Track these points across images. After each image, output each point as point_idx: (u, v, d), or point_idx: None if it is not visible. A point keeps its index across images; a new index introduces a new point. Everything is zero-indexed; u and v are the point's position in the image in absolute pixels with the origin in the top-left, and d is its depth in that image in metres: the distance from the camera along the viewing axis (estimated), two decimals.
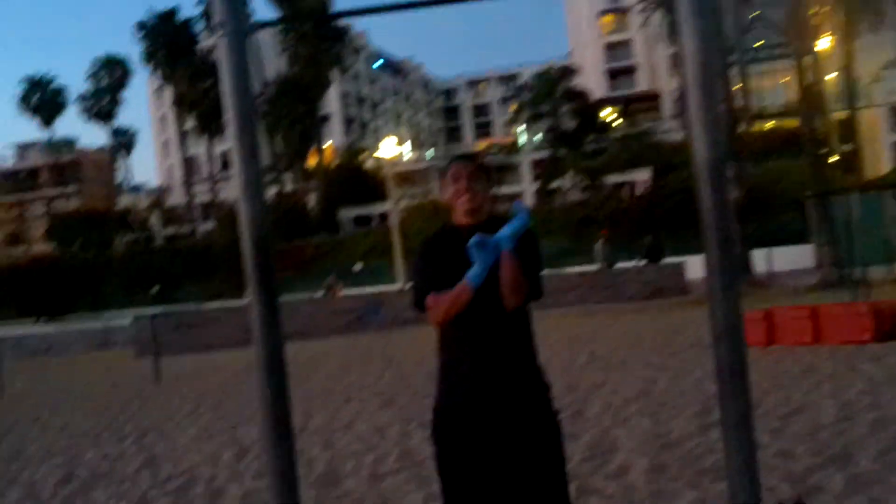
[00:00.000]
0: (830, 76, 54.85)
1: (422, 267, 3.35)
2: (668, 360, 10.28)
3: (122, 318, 28.27)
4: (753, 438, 2.90)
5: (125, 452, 7.72)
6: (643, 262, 25.58)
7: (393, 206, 36.43)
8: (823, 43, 51.63)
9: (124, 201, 76.91)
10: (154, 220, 71.88)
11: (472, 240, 3.06)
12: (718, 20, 27.68)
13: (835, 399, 6.83)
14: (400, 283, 30.53)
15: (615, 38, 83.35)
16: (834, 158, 47.58)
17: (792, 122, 50.17)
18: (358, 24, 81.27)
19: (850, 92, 47.96)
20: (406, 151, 76.35)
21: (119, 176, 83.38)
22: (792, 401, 6.89)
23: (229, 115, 3.02)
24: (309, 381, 11.67)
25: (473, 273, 3.09)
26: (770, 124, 58.05)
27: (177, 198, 75.53)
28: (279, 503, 2.94)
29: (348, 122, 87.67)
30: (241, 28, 3.01)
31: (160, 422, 9.53)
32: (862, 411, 6.29)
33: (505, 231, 3.11)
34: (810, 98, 25.19)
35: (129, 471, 6.84)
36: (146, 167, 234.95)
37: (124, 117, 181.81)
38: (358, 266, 45.16)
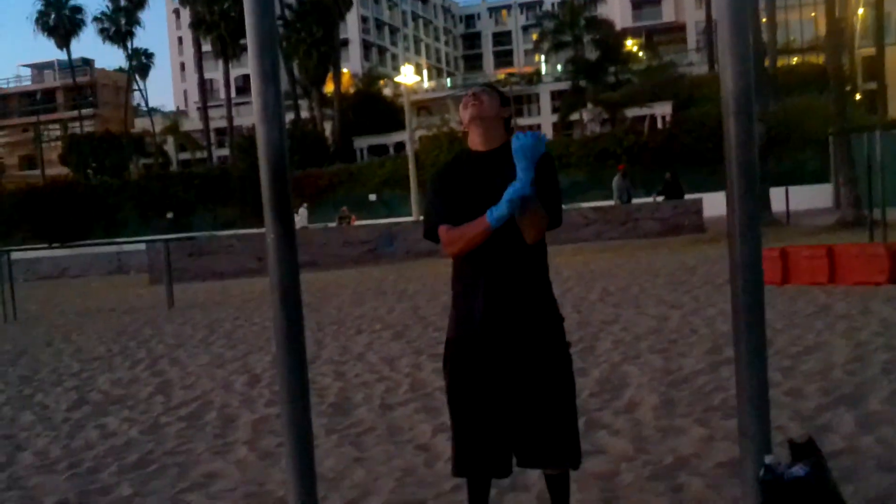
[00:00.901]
0: (859, 11, 53.92)
1: (434, 197, 3.36)
2: (681, 298, 10.24)
3: (137, 244, 28.37)
4: (766, 375, 2.86)
5: (138, 378, 7.77)
6: (661, 199, 25.39)
7: (410, 136, 36.16)
8: None
9: (140, 124, 76.75)
10: (170, 144, 71.77)
11: (516, 143, 2.98)
12: None
13: (847, 339, 6.78)
14: (414, 215, 30.46)
15: None
16: (858, 96, 46.97)
17: (817, 58, 49.43)
18: None
19: (879, 28, 47.06)
20: (425, 79, 75.63)
21: (135, 98, 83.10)
22: (804, 340, 6.84)
23: (249, 37, 2.93)
24: (320, 312, 11.70)
25: (498, 214, 3.04)
26: (795, 59, 57.10)
27: (193, 122, 75.32)
28: (292, 429, 2.94)
29: (367, 47, 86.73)
30: None
31: (173, 348, 9.59)
32: (874, 352, 6.24)
33: (525, 173, 3.01)
34: (837, 33, 24.65)
35: (141, 396, 6.88)
36: (164, 90, 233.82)
37: (142, 39, 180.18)
38: (372, 196, 45.08)
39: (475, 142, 3.35)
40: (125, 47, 70.65)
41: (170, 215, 50.18)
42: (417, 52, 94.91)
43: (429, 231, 3.33)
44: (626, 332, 8.01)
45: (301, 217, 30.99)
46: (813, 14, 56.92)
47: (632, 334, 7.84)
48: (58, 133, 77.70)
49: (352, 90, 65.27)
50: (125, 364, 8.64)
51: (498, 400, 3.36)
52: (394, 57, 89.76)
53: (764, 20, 43.15)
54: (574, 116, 52.39)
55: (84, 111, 74.86)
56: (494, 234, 3.16)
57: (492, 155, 3.29)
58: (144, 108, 79.07)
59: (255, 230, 31.13)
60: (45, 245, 40.85)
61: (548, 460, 3.41)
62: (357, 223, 30.98)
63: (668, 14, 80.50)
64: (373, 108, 59.08)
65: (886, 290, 9.40)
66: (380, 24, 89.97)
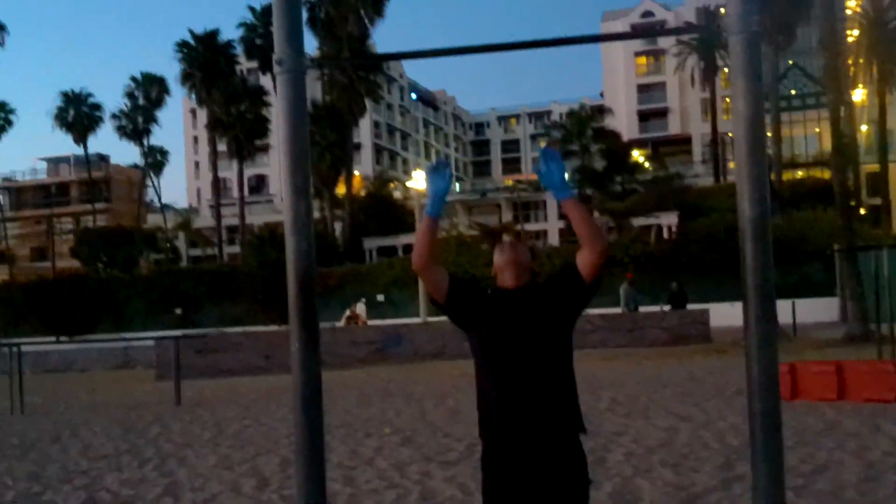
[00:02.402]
0: (863, 128, 54.86)
1: (455, 279, 3.62)
2: (690, 410, 10.23)
3: (144, 339, 28.40)
4: (783, 498, 2.90)
5: (146, 478, 7.76)
6: (667, 308, 25.48)
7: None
8: (858, 94, 51.68)
9: (153, 220, 77.57)
10: (181, 240, 72.42)
11: (542, 151, 3.39)
12: (766, 91, 27.55)
13: (859, 458, 6.78)
14: (422, 316, 30.52)
15: (649, 79, 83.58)
16: (863, 211, 47.41)
17: (822, 173, 50.11)
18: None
19: (883, 144, 47.83)
20: None
21: (149, 194, 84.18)
22: (816, 458, 6.85)
23: (282, 151, 3.09)
24: (328, 414, 11.66)
25: (430, 201, 3.45)
26: (800, 174, 57.88)
27: (204, 220, 76.13)
28: None
29: (378, 151, 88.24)
30: (300, 66, 3.08)
31: (180, 447, 9.57)
32: (886, 472, 6.24)
33: (553, 177, 3.40)
34: (842, 149, 25.11)
35: (150, 497, 6.88)
36: (177, 187, 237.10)
37: (158, 136, 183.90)
38: (380, 297, 45.23)
39: (505, 281, 3.56)
40: (141, 144, 71.90)
41: (178, 311, 50.29)
42: (428, 156, 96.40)
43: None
44: (637, 444, 8.01)
45: (360, 311, 30.95)
46: (817, 130, 57.91)
47: (643, 447, 7.84)
48: (70, 226, 78.50)
49: (363, 192, 66.17)
50: (133, 463, 8.63)
51: None
52: (404, 161, 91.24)
53: (769, 134, 43.96)
54: None
55: (97, 205, 75.84)
56: (517, 356, 3.37)
57: (519, 291, 3.51)
58: (157, 205, 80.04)
59: (262, 328, 31.17)
60: (53, 338, 40.91)
61: None
62: (365, 321, 31.01)
63: (674, 126, 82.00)
64: (383, 210, 59.84)
65: (895, 408, 9.40)
66: (392, 130, 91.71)
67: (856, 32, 48.28)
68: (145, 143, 72.24)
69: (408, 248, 53.50)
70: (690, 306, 25.53)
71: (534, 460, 3.42)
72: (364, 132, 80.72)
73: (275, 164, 77.66)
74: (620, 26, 77.98)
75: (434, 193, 3.40)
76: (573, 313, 3.52)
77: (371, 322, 31.71)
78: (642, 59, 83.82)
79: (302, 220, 3.04)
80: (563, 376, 3.49)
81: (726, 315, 24.36)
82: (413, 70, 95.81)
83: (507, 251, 3.57)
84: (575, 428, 3.48)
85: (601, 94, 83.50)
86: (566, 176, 3.36)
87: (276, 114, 3.10)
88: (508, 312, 3.45)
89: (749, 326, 2.87)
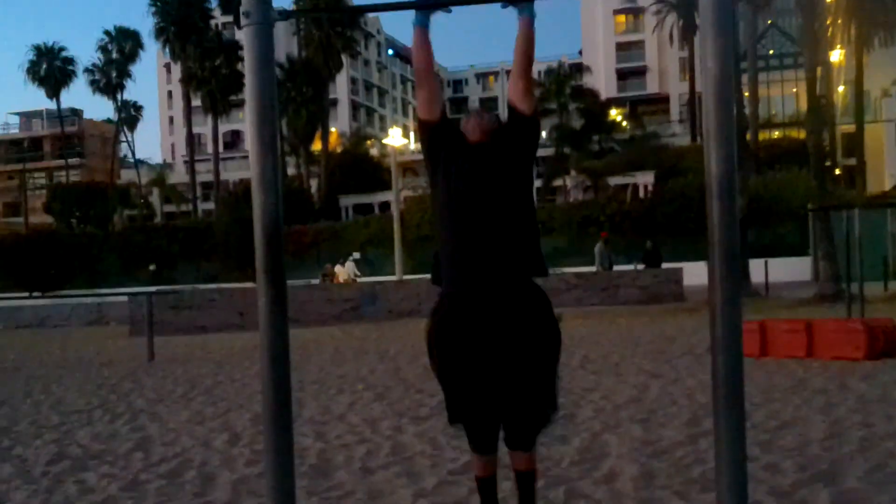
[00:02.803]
0: (839, 89, 54.98)
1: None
2: (661, 367, 10.33)
3: (119, 294, 28.28)
4: (745, 452, 2.93)
5: (117, 433, 7.75)
6: (641, 267, 25.61)
7: (396, 197, 36.43)
8: (835, 55, 51.77)
9: (127, 176, 76.88)
10: (155, 196, 71.88)
11: None
12: (736, 38, 27.50)
13: (825, 415, 6.87)
14: (398, 274, 30.53)
15: (628, 38, 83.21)
16: (838, 171, 47.67)
17: (798, 133, 50.28)
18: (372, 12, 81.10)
19: (859, 105, 47.99)
20: (411, 141, 76.31)
21: (123, 150, 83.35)
22: (782, 415, 6.93)
23: (249, 105, 3.04)
24: (302, 370, 11.70)
25: (416, 15, 3.67)
26: (776, 134, 58.03)
27: (179, 176, 75.52)
28: (275, 494, 2.98)
29: (355, 108, 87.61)
30: (267, 18, 3.03)
31: (153, 403, 9.57)
32: (851, 429, 6.33)
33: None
34: (818, 110, 25.18)
35: (121, 451, 6.86)
36: (151, 143, 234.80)
37: (131, 91, 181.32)
38: (356, 255, 45.21)
39: (471, 136, 3.81)
40: (115, 99, 71.04)
41: (152, 267, 50.05)
42: (405, 114, 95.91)
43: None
44: (607, 400, 8.08)
45: (348, 269, 30.95)
46: (794, 90, 58.02)
47: (612, 403, 7.90)
48: (43, 182, 77.66)
49: (339, 149, 65.77)
50: (105, 418, 8.61)
51: (488, 375, 3.65)
52: (381, 118, 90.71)
53: (746, 94, 43.97)
54: (557, 182, 52.90)
55: (71, 161, 75.00)
56: (475, 193, 3.60)
57: (482, 144, 3.77)
58: (131, 160, 79.27)
59: (237, 284, 31.08)
60: (26, 294, 40.63)
61: (519, 442, 3.80)
62: (351, 278, 31.02)
63: (652, 86, 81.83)
64: (359, 168, 59.57)
65: (863, 366, 9.52)
66: (369, 86, 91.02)
67: None
68: (119, 97, 71.38)
69: (385, 206, 53.45)
70: (665, 265, 25.69)
71: (494, 303, 3.58)
72: (341, 88, 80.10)
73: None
74: None
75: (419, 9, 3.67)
76: (524, 152, 3.75)
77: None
78: (621, 18, 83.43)
79: (269, 175, 3.01)
80: (522, 219, 3.69)
81: (700, 274, 24.45)
82: (390, 26, 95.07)
83: (472, 118, 3.85)
84: (536, 270, 3.70)
85: (580, 53, 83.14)
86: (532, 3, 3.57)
87: (245, 68, 3.05)
88: (470, 162, 3.69)
89: (713, 284, 2.88)
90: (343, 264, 31.59)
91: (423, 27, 3.75)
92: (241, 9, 3.02)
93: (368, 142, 70.41)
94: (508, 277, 3.60)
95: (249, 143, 3.07)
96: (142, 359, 14.86)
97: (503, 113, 3.82)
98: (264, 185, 3.04)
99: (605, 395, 8.42)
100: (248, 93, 3.04)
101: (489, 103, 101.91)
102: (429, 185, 3.93)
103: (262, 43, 3.04)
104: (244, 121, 79.40)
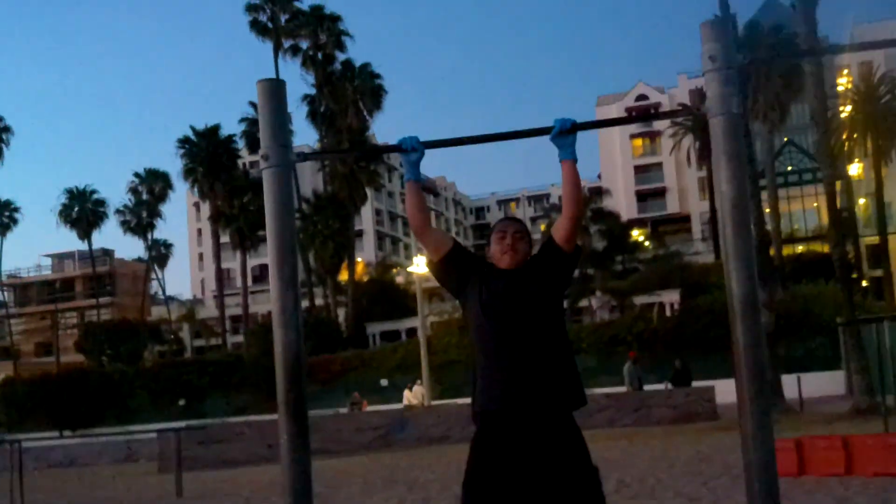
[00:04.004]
0: (861, 201, 55.17)
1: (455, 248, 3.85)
2: (698, 489, 10.11)
3: (148, 431, 28.19)
4: None
5: None
6: (671, 386, 25.34)
7: (422, 323, 36.50)
8: (854, 168, 52.14)
9: (157, 313, 77.57)
10: (185, 332, 72.34)
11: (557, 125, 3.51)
12: (750, 162, 27.89)
13: None
14: (427, 400, 30.31)
15: (646, 160, 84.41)
16: (865, 283, 47.36)
17: (822, 246, 50.24)
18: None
19: (881, 217, 48.05)
20: None
21: (153, 287, 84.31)
22: None
23: (270, 244, 3.14)
24: (331, 501, 11.55)
25: (406, 171, 3.67)
26: (800, 248, 57.99)
27: (209, 310, 76.13)
28: None
29: (380, 237, 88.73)
30: (286, 161, 3.16)
31: None
32: None
33: (567, 137, 3.54)
34: (841, 222, 25.27)
35: None
36: (181, 279, 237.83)
37: (161, 229, 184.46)
38: (384, 381, 44.97)
39: (501, 264, 3.77)
40: (145, 238, 72.27)
41: (182, 402, 49.96)
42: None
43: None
44: None
45: (416, 393, 30.34)
46: (815, 204, 58.23)
47: None
48: (75, 321, 78.45)
49: (365, 278, 66.29)
50: None
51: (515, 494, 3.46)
52: (406, 246, 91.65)
53: (767, 210, 44.22)
54: (583, 304, 52.84)
55: (102, 300, 75.92)
56: (512, 312, 3.56)
57: (516, 271, 3.72)
58: (162, 297, 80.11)
59: (266, 416, 30.94)
60: (57, 433, 40.55)
61: None
62: (368, 409, 30.81)
63: (672, 206, 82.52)
64: (385, 296, 59.84)
65: None
66: (393, 217, 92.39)
67: (849, 108, 48.91)
68: (149, 236, 72.64)
69: (411, 332, 53.40)
70: (696, 383, 25.38)
71: (535, 434, 3.48)
72: (366, 220, 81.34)
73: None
74: (615, 111, 79.10)
75: (407, 162, 3.62)
76: (560, 284, 3.73)
77: (375, 407, 31.50)
78: (638, 141, 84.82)
79: (290, 311, 3.08)
80: (561, 347, 3.64)
81: (731, 392, 24.22)
82: None
83: (505, 235, 3.78)
84: (578, 400, 3.63)
85: (599, 176, 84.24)
86: (574, 144, 3.59)
87: (265, 209, 3.16)
88: (504, 286, 3.66)
89: (743, 405, 2.86)
90: (411, 388, 30.89)
91: (414, 182, 3.77)
92: (260, 152, 3.17)
93: (394, 270, 70.98)
94: (549, 399, 3.53)
95: (270, 281, 3.15)
96: (170, 496, 14.72)
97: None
98: (285, 321, 3.11)
99: None
100: (269, 233, 3.14)
101: None
102: (461, 310, 3.89)
103: (281, 184, 3.17)
104: None
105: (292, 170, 3.18)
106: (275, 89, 3.19)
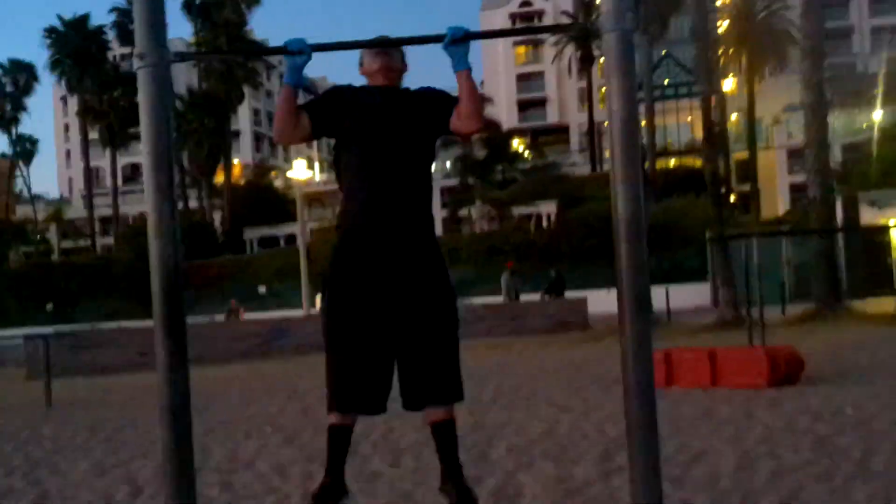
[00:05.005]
0: (734, 117, 56.78)
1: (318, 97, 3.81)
2: (570, 399, 10.39)
3: (15, 337, 27.24)
4: (661, 491, 2.92)
5: (13, 488, 7.40)
6: (547, 297, 25.90)
7: (301, 229, 36.11)
8: (728, 84, 53.48)
9: (22, 212, 74.52)
10: (52, 232, 69.81)
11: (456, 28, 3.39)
12: (639, 81, 28.27)
13: (733, 446, 6.97)
14: (305, 308, 30.19)
15: (528, 69, 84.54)
16: (733, 198, 49.14)
17: (694, 161, 51.74)
18: (273, 41, 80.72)
19: (751, 133, 49.63)
20: (317, 172, 75.91)
21: (18, 185, 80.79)
22: (692, 447, 7.01)
23: (144, 150, 2.92)
24: (208, 412, 11.41)
25: (286, 74, 3.54)
26: (673, 162, 59.55)
27: (77, 211, 73.52)
28: None
29: (258, 139, 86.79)
30: (163, 61, 2.92)
31: (51, 453, 9.18)
32: (760, 459, 6.43)
33: (460, 48, 3.43)
34: (713, 139, 25.92)
35: None
36: (47, 177, 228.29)
37: (26, 125, 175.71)
38: (262, 289, 44.59)
39: (376, 81, 3.76)
40: (9, 133, 68.90)
41: (49, 307, 48.47)
42: (310, 145, 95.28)
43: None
44: (519, 436, 8.07)
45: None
46: (689, 119, 59.68)
47: (525, 439, 7.90)
48: None
49: (242, 181, 65.00)
50: (0, 472, 8.22)
51: (380, 325, 3.58)
52: (285, 149, 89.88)
53: (644, 123, 45.09)
54: (463, 213, 53.26)
55: None
56: (383, 149, 3.56)
57: (389, 89, 3.73)
58: (27, 195, 76.91)
59: (140, 322, 30.31)
60: None
61: (433, 397, 3.67)
62: (246, 317, 30.52)
63: (552, 116, 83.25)
64: (264, 200, 58.98)
65: (767, 394, 9.74)
66: (272, 117, 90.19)
67: (726, 24, 49.91)
68: (13, 131, 69.24)
69: (290, 239, 52.95)
70: (569, 294, 26.02)
71: (394, 248, 3.57)
72: (243, 120, 79.27)
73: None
74: (500, 17, 78.58)
75: (292, 65, 3.45)
76: (434, 132, 3.76)
77: (254, 315, 31.22)
78: (521, 49, 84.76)
79: (166, 221, 2.89)
80: (424, 180, 3.72)
81: (603, 301, 24.91)
82: None
83: (380, 55, 3.73)
84: (433, 232, 3.74)
85: (481, 83, 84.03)
86: (468, 52, 3.49)
87: (140, 110, 2.95)
88: (378, 102, 3.66)
89: (624, 328, 2.87)
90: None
91: (291, 87, 3.60)
92: (135, 50, 2.93)
93: (273, 173, 69.77)
94: (411, 214, 3.62)
95: (145, 188, 2.96)
96: (40, 404, 14.29)
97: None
98: (162, 231, 2.93)
99: (518, 430, 8.42)
100: (144, 138, 2.94)
101: None
102: (334, 151, 3.86)
103: (158, 86, 2.94)
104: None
105: (169, 69, 2.94)
106: None
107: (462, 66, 3.47)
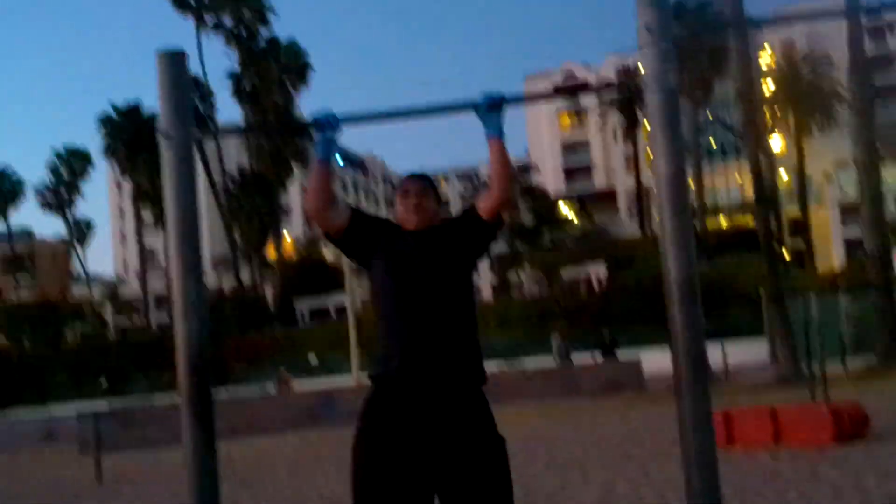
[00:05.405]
0: (784, 175, 56.26)
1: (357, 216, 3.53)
2: (626, 465, 10.05)
3: (68, 416, 27.40)
4: None
5: None
6: (600, 358, 25.51)
7: (350, 298, 36.11)
8: (777, 143, 53.12)
9: (78, 293, 75.80)
10: (107, 311, 70.81)
11: (482, 100, 3.29)
12: (686, 143, 28.12)
13: None
14: (354, 378, 30.03)
15: (573, 137, 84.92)
16: (787, 255, 48.41)
17: (745, 219, 51.22)
18: None
19: (802, 191, 49.08)
20: None
21: (74, 267, 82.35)
22: None
23: (170, 227, 2.81)
24: (258, 485, 11.25)
25: (316, 148, 3.37)
26: (724, 222, 59.03)
27: (133, 291, 74.60)
28: None
29: None
30: (186, 139, 2.85)
31: None
32: None
33: (494, 115, 3.30)
34: (764, 196, 25.61)
35: None
36: (103, 259, 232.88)
37: (83, 208, 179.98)
38: (314, 358, 44.59)
39: (408, 225, 3.49)
40: (65, 217, 70.50)
41: (104, 382, 48.86)
42: None
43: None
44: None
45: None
46: (738, 179, 59.28)
47: None
48: None
49: (294, 256, 65.63)
50: None
51: (420, 490, 3.19)
52: None
53: (692, 185, 44.84)
54: (512, 278, 53.11)
55: (22, 279, 73.86)
56: (418, 282, 3.29)
57: (424, 233, 3.46)
58: (83, 277, 78.34)
59: None
60: None
61: None
62: (296, 386, 30.41)
63: (599, 182, 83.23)
64: (314, 272, 59.32)
65: (832, 451, 9.33)
66: None
67: (772, 86, 49.81)
68: (69, 215, 70.83)
69: (341, 311, 53.01)
70: (623, 354, 25.58)
71: (432, 401, 3.23)
72: (293, 197, 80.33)
73: (202, 230, 76.71)
74: (542, 87, 79.27)
75: (322, 139, 3.32)
76: (472, 253, 3.47)
77: (303, 385, 31.13)
78: (566, 118, 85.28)
79: (193, 300, 2.76)
80: (467, 319, 3.40)
81: (657, 361, 24.43)
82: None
83: (408, 195, 3.50)
84: (479, 377, 3.36)
85: (527, 152, 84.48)
86: (503, 121, 3.35)
87: (164, 191, 2.89)
88: (411, 247, 3.41)
89: (682, 393, 2.67)
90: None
91: (324, 161, 3.40)
92: (160, 130, 2.89)
93: (323, 246, 70.37)
94: (447, 368, 3.26)
95: (171, 267, 2.85)
96: (89, 481, 14.24)
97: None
98: (188, 311, 2.81)
99: (572, 496, 8.12)
100: (169, 216, 2.85)
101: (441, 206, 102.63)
102: (367, 278, 3.56)
103: (182, 163, 2.88)
104: None
105: (194, 148, 2.87)
106: (175, 61, 2.91)
107: (494, 132, 3.32)
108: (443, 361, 3.25)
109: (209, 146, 56.23)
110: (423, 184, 3.54)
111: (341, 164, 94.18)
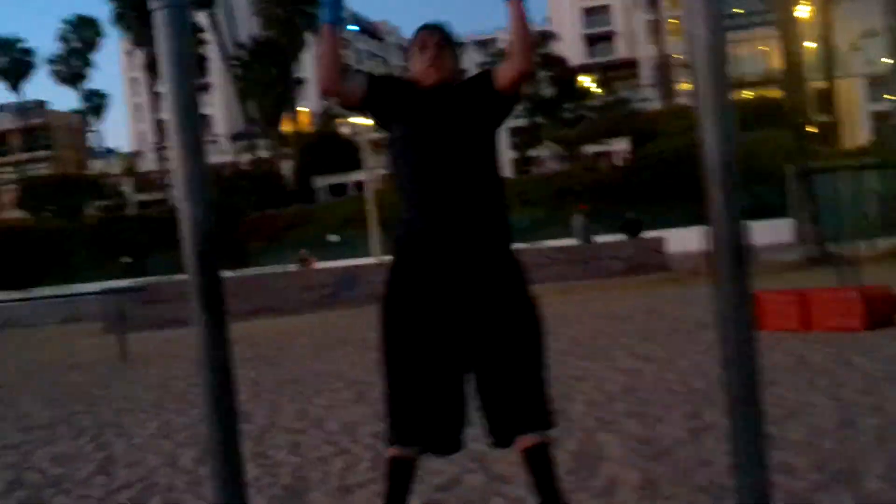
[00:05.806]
0: (809, 45, 54.60)
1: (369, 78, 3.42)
2: (651, 348, 9.94)
3: (91, 289, 27.66)
4: (766, 462, 2.53)
5: (80, 452, 7.26)
6: (622, 237, 25.31)
7: (369, 175, 35.87)
8: (803, 11, 51.45)
9: (96, 166, 75.78)
10: (126, 185, 70.92)
11: None
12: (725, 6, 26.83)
13: (833, 399, 6.47)
14: (375, 256, 30.03)
15: (593, 2, 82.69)
16: (813, 129, 47.50)
17: (768, 92, 50.03)
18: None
19: (829, 61, 47.74)
20: None
21: (91, 140, 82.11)
22: (787, 401, 6.52)
23: (168, 102, 2.54)
24: (278, 367, 11.26)
25: (322, 12, 3.23)
26: (746, 93, 57.74)
27: (151, 163, 74.49)
28: None
29: None
30: (182, 3, 2.53)
31: (121, 414, 9.09)
32: (863, 415, 5.93)
33: None
34: (792, 67, 24.86)
35: (81, 476, 6.38)
36: (119, 131, 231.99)
37: (96, 80, 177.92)
38: (332, 237, 44.65)
39: (425, 80, 3.33)
40: (78, 89, 69.86)
41: (125, 259, 49.27)
42: None
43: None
44: (598, 391, 7.66)
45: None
46: (762, 48, 57.65)
47: (604, 394, 7.48)
48: (13, 176, 76.48)
49: (310, 129, 65.00)
50: (68, 434, 8.12)
51: (449, 347, 3.17)
52: None
53: None
54: (532, 153, 52.49)
55: (39, 153, 73.81)
56: (438, 141, 3.16)
57: (438, 87, 3.30)
58: (100, 150, 78.19)
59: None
60: None
61: (520, 426, 3.21)
62: (317, 265, 30.51)
63: (620, 50, 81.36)
64: (331, 148, 58.85)
65: (863, 338, 9.15)
66: None
67: None
68: (82, 87, 70.17)
69: (359, 186, 52.81)
70: (646, 234, 25.36)
71: (461, 259, 3.16)
72: (308, 67, 79.05)
73: (218, 104, 75.83)
74: None
75: (326, 1, 3.22)
76: (491, 121, 3.32)
77: (324, 264, 31.21)
78: None
79: (196, 182, 2.54)
80: (490, 179, 3.30)
81: (682, 240, 24.20)
82: (354, 1, 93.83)
83: (426, 48, 3.32)
84: (505, 236, 3.30)
85: (546, 19, 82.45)
86: None
87: (157, 59, 2.58)
88: (429, 106, 3.26)
89: (721, 282, 2.52)
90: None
91: (332, 26, 3.25)
92: None
93: (339, 120, 69.62)
94: (477, 217, 3.20)
95: (171, 146, 2.61)
96: (114, 360, 14.36)
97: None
98: (191, 194, 2.58)
99: (597, 384, 8.01)
100: (166, 88, 2.57)
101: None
102: (386, 142, 3.47)
103: (177, 28, 2.55)
104: (212, 104, 78.27)
105: (187, 9, 2.54)
106: None
107: None
108: (467, 219, 3.18)
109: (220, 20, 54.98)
110: (442, 35, 3.37)
111: (354, 28, 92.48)
